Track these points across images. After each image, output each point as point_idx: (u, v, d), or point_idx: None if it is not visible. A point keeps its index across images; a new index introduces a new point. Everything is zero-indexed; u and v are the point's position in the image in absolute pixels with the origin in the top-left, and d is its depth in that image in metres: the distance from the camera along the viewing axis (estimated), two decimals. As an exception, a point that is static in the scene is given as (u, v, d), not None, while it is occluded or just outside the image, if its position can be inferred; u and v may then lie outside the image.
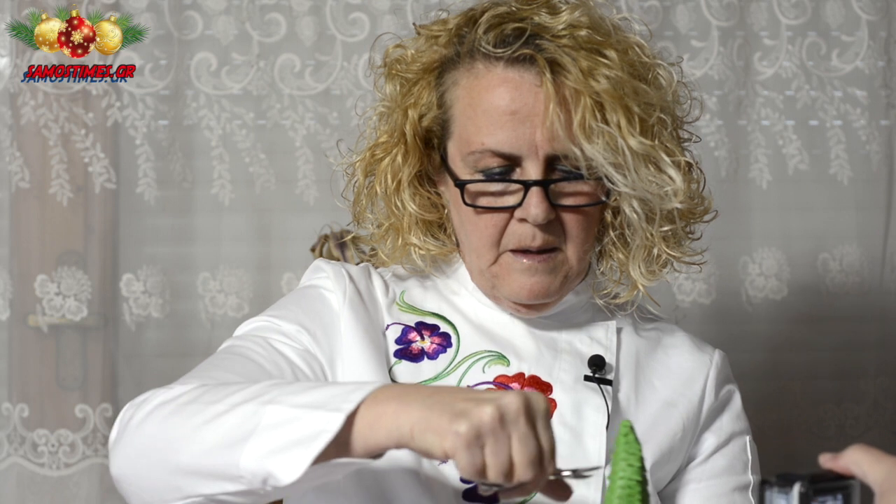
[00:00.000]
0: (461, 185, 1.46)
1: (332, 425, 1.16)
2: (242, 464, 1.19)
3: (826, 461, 1.11)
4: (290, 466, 1.16)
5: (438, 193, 1.54)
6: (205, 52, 2.25)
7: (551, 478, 1.18)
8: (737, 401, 1.58)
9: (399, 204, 1.52)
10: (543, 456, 1.15)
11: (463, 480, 1.42)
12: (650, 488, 1.18)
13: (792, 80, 2.34)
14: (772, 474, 1.11)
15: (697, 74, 2.31)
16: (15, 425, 2.24)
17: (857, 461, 1.09)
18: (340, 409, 1.17)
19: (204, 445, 1.22)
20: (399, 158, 1.51)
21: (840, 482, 1.11)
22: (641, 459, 1.14)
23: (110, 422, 2.24)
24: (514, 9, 1.48)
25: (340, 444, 1.17)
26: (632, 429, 1.14)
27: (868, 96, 2.35)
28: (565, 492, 1.21)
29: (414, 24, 1.56)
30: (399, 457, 1.37)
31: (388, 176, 1.51)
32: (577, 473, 1.23)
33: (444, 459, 1.15)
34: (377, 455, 1.19)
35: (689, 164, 1.48)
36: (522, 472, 1.14)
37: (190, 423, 1.24)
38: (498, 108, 1.44)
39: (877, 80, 2.34)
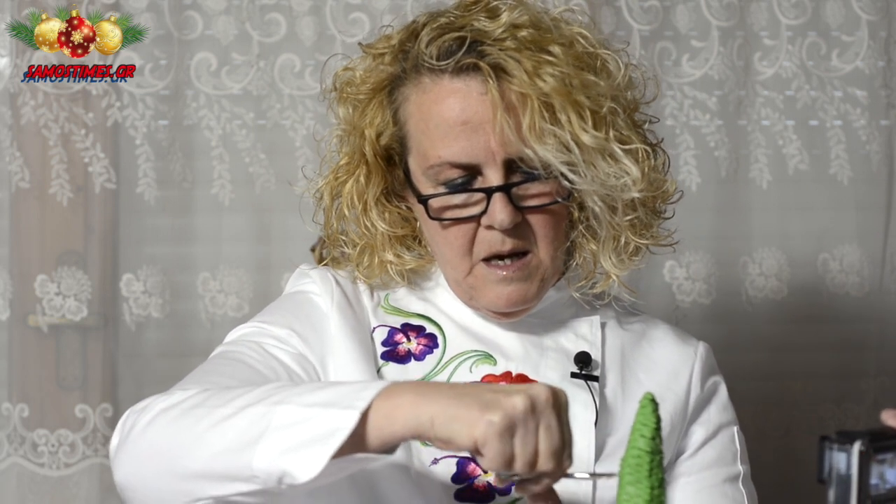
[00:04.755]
0: (424, 200, 1.47)
1: (346, 423, 1.16)
2: (256, 464, 1.19)
3: (888, 418, 1.11)
4: (306, 464, 1.16)
5: (408, 207, 1.54)
6: (205, 52, 2.25)
7: (574, 474, 1.20)
8: (723, 392, 1.59)
9: (368, 224, 1.52)
10: (564, 448, 1.17)
11: (454, 479, 1.43)
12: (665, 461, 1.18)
13: (792, 80, 2.34)
14: (832, 432, 1.10)
15: (697, 74, 2.31)
16: (15, 425, 2.24)
17: None
18: (354, 407, 1.17)
19: (213, 448, 1.22)
20: (362, 179, 1.51)
21: None
22: (655, 431, 1.15)
23: (110, 422, 2.24)
24: (453, 18, 1.47)
25: (355, 439, 1.17)
26: (652, 400, 1.15)
27: (868, 96, 2.34)
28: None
29: (359, 43, 1.55)
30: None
31: (354, 197, 1.52)
32: (594, 475, 1.24)
33: (467, 449, 1.16)
34: (393, 448, 1.20)
35: (646, 151, 1.47)
36: (545, 462, 1.16)
37: (197, 427, 1.24)
38: (449, 120, 1.43)
39: (877, 80, 2.34)
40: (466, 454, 1.43)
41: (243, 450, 1.20)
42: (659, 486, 1.16)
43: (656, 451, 1.15)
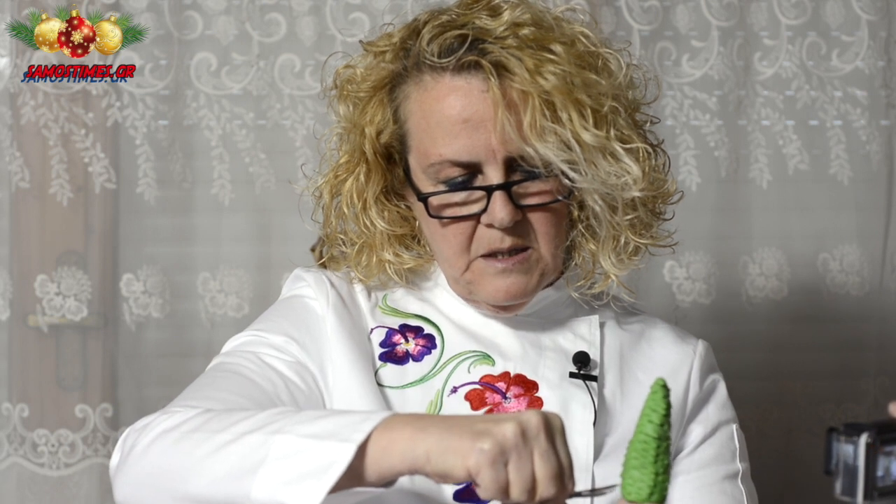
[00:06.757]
0: (423, 198, 1.46)
1: (343, 456, 1.16)
2: (254, 494, 1.19)
3: (895, 410, 1.11)
4: (304, 498, 1.16)
5: (408, 206, 1.54)
6: (205, 52, 2.25)
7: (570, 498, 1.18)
8: (721, 390, 1.59)
9: (368, 222, 1.52)
10: (564, 472, 1.16)
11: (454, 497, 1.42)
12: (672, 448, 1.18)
13: (792, 80, 2.34)
14: (840, 424, 1.11)
15: (697, 74, 2.31)
16: (15, 425, 2.24)
17: None
18: (351, 440, 1.17)
19: (212, 475, 1.22)
20: (362, 177, 1.51)
21: None
22: (665, 417, 1.15)
23: (110, 422, 2.24)
24: (454, 16, 1.47)
25: (353, 472, 1.17)
26: (663, 386, 1.15)
27: (868, 96, 2.34)
28: None
29: (360, 41, 1.56)
30: None
31: (354, 196, 1.52)
32: (595, 491, 1.23)
33: (464, 481, 1.15)
34: (390, 482, 1.19)
35: (647, 150, 1.47)
36: (545, 488, 1.14)
37: (196, 452, 1.23)
38: (450, 118, 1.43)
39: (877, 80, 2.34)
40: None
41: (242, 479, 1.20)
42: (664, 472, 1.15)
43: (664, 438, 1.15)
